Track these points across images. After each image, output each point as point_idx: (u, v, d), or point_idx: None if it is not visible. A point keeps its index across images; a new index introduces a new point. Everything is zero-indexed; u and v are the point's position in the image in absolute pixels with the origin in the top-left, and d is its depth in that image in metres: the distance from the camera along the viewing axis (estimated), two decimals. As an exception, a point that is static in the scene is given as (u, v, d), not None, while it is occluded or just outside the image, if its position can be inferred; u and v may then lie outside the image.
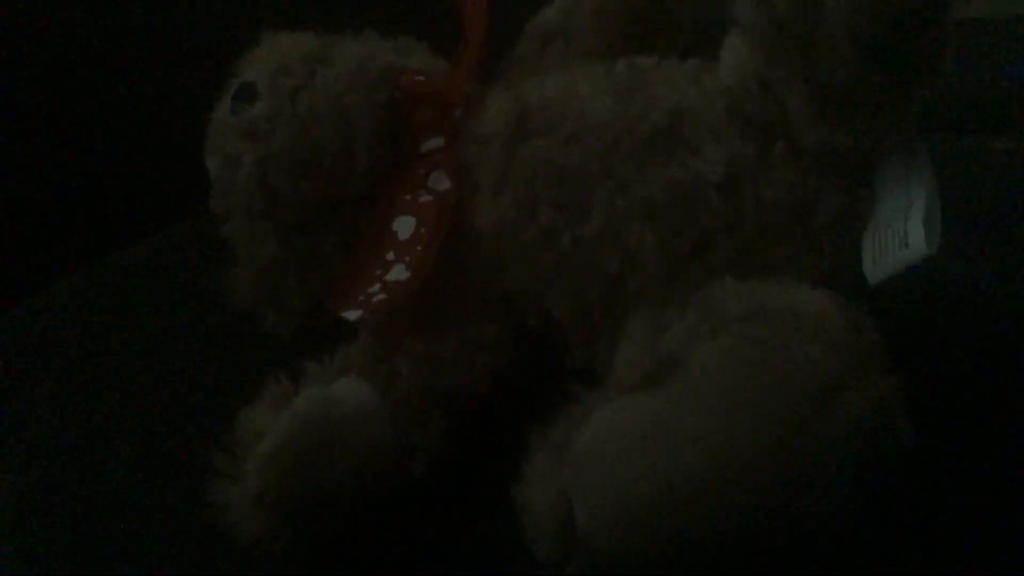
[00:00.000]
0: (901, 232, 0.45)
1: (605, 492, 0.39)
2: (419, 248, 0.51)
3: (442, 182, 0.53)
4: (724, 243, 0.47)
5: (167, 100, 0.71)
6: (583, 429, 0.41)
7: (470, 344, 0.50)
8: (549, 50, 0.59)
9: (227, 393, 0.48)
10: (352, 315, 0.49)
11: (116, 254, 0.68)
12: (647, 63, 0.53)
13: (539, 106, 0.52)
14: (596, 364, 0.48)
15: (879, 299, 0.45)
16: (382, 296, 0.50)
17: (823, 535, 0.39)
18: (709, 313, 0.42)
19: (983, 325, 0.57)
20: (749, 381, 0.39)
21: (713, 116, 0.49)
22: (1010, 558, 0.45)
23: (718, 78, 0.50)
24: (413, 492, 0.46)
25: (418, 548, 0.47)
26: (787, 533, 0.38)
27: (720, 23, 0.51)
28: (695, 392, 0.40)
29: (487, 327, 0.51)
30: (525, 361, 0.51)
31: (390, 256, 0.51)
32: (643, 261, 0.48)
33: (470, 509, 0.47)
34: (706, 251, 0.47)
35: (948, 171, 0.65)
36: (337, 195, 0.53)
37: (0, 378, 0.61)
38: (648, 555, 0.39)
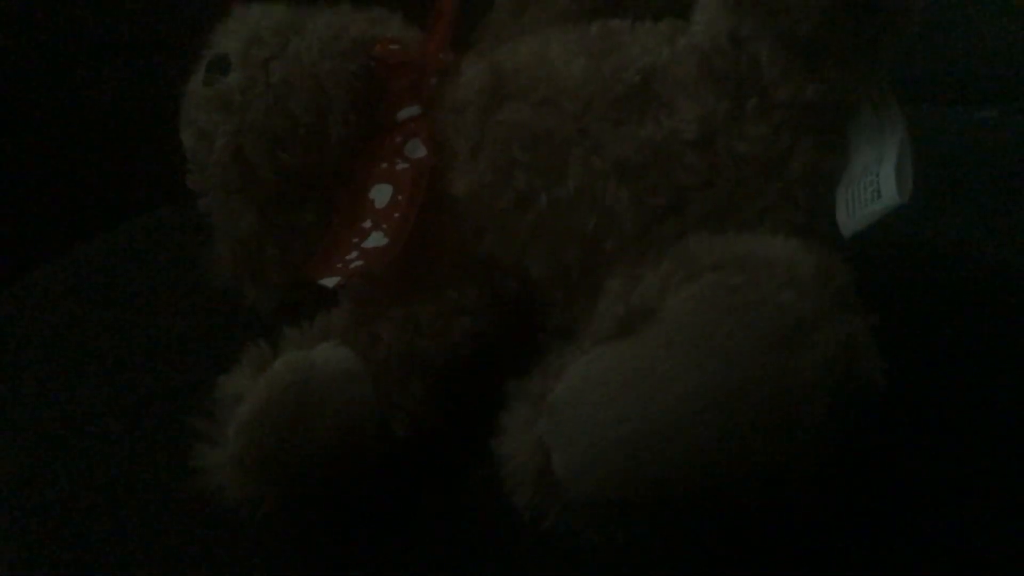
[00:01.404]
0: (874, 184, 0.45)
1: (581, 439, 0.39)
2: (396, 215, 0.51)
3: (418, 150, 0.53)
4: (699, 199, 0.48)
5: (140, 79, 0.71)
6: (559, 379, 0.41)
7: (450, 308, 0.50)
8: (523, 16, 0.59)
9: (210, 368, 0.48)
10: (330, 281, 0.49)
11: (96, 238, 0.68)
12: (620, 25, 0.53)
13: (513, 71, 0.52)
14: (576, 324, 0.48)
15: (856, 252, 0.45)
16: (359, 263, 0.50)
17: (796, 475, 0.39)
18: (682, 263, 0.42)
19: (962, 276, 0.57)
20: (721, 326, 0.39)
21: (686, 74, 0.49)
22: (978, 496, 0.45)
23: (691, 36, 0.50)
24: (395, 452, 0.47)
25: (400, 506, 0.47)
26: (761, 473, 0.39)
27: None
28: (668, 338, 0.40)
29: (466, 291, 0.51)
30: (505, 323, 0.51)
31: (367, 223, 0.51)
32: (619, 220, 0.48)
33: (451, 465, 0.48)
34: (682, 208, 0.48)
35: (933, 139, 0.66)
36: (313, 166, 0.54)
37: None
38: (626, 500, 0.39)
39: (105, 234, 0.68)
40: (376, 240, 0.50)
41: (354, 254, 0.50)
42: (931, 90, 0.87)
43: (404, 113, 0.54)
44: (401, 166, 0.52)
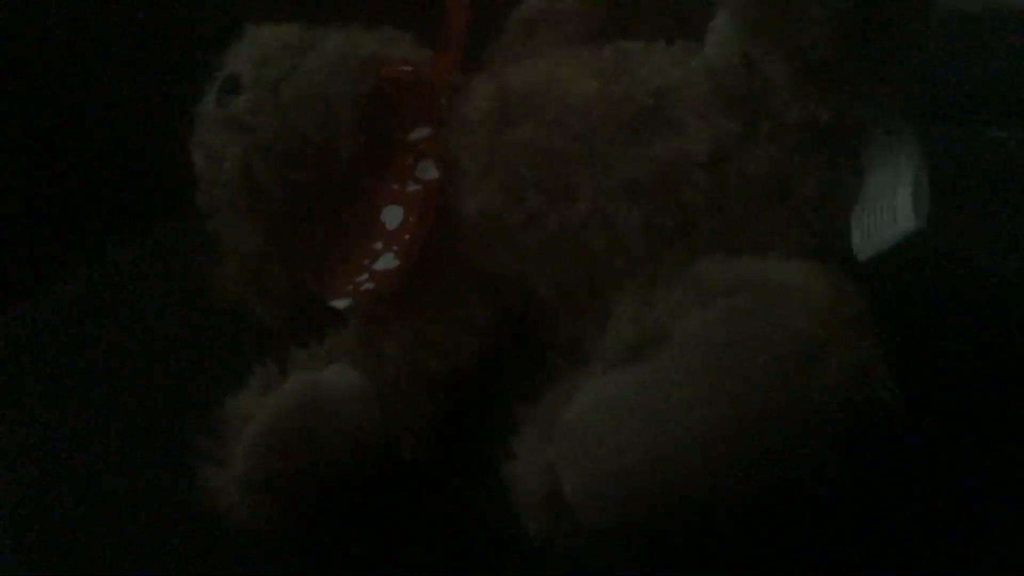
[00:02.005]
0: (890, 207, 0.45)
1: (592, 464, 0.39)
2: (407, 237, 0.51)
3: (429, 171, 0.53)
4: (709, 220, 0.47)
5: (151, 98, 0.71)
6: (570, 404, 0.41)
7: (457, 327, 0.50)
8: (534, 37, 0.59)
9: (217, 387, 0.48)
10: (341, 304, 0.50)
11: (104, 256, 0.68)
12: (632, 46, 0.53)
13: (523, 91, 0.52)
14: (583, 344, 0.48)
15: (870, 274, 0.45)
16: (370, 285, 0.50)
17: (809, 499, 0.38)
18: (694, 287, 0.42)
19: (973, 298, 0.57)
20: (733, 351, 0.39)
21: (697, 95, 0.49)
22: (993, 519, 0.45)
23: (703, 58, 0.50)
24: (402, 474, 0.46)
25: (407, 529, 0.47)
26: (774, 498, 0.38)
27: (704, 6, 0.51)
28: (680, 363, 0.40)
29: (474, 310, 0.51)
30: (512, 343, 0.51)
31: (378, 246, 0.51)
32: (628, 241, 0.48)
33: (460, 488, 0.47)
34: (691, 229, 0.48)
35: (944, 158, 0.66)
36: (322, 186, 0.53)
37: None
38: (637, 525, 0.39)
39: (113, 251, 0.68)
40: (387, 262, 0.50)
41: (365, 276, 0.50)
42: (941, 109, 0.87)
43: (416, 134, 0.54)
44: (412, 187, 0.52)
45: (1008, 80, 0.95)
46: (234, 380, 0.48)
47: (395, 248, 0.50)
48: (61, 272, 0.67)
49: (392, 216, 0.52)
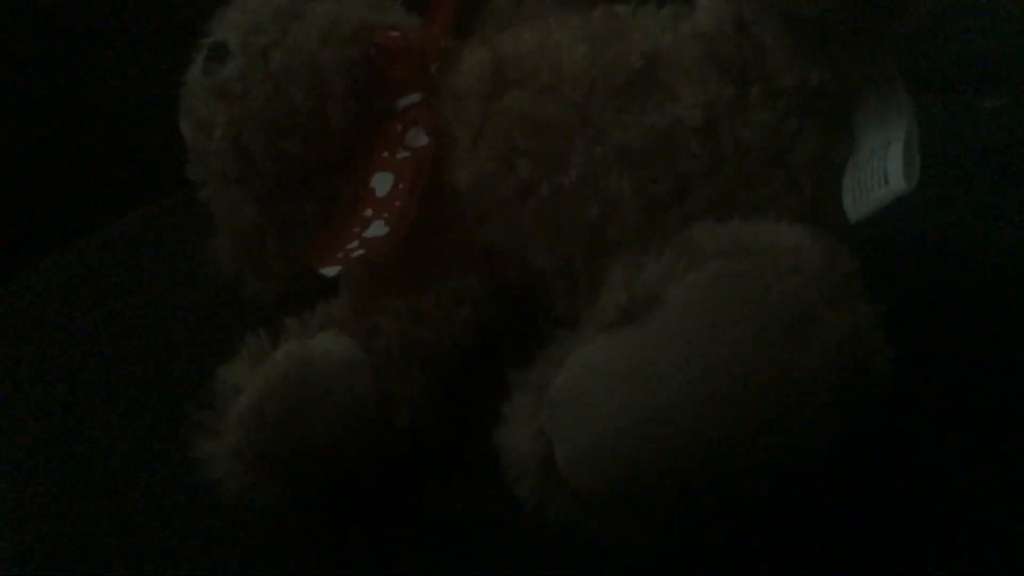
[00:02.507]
0: (880, 169, 0.44)
1: (583, 428, 0.39)
2: (397, 204, 0.50)
3: (419, 138, 0.52)
4: (703, 187, 0.47)
5: (139, 70, 0.70)
6: (561, 368, 0.40)
7: (451, 298, 0.50)
8: (525, 2, 0.58)
9: (211, 359, 0.47)
10: (330, 271, 0.49)
11: (96, 231, 0.67)
12: (623, 10, 0.52)
13: (515, 58, 0.51)
14: (578, 315, 0.48)
15: (863, 241, 0.45)
16: (360, 252, 0.49)
17: (802, 464, 0.38)
18: (686, 250, 0.42)
19: (969, 267, 0.57)
20: (725, 314, 0.39)
21: (690, 60, 0.48)
22: (984, 486, 0.45)
23: (695, 22, 0.50)
24: (396, 443, 0.46)
25: (401, 498, 0.47)
26: (766, 462, 0.38)
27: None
28: (672, 326, 0.39)
29: (468, 281, 0.50)
30: (507, 314, 0.51)
31: (368, 213, 0.51)
32: (622, 208, 0.47)
33: (453, 457, 0.47)
34: (685, 196, 0.47)
35: (940, 128, 0.66)
36: (313, 154, 0.53)
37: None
38: (628, 491, 0.39)
39: (106, 226, 0.68)
40: (377, 229, 0.50)
41: (355, 243, 0.50)
42: (938, 79, 0.86)
43: (405, 101, 0.53)
44: (402, 155, 0.52)
45: (1004, 49, 0.94)
46: (227, 352, 0.48)
47: (385, 215, 0.50)
48: (54, 247, 0.67)
49: (382, 183, 0.51)
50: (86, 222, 0.68)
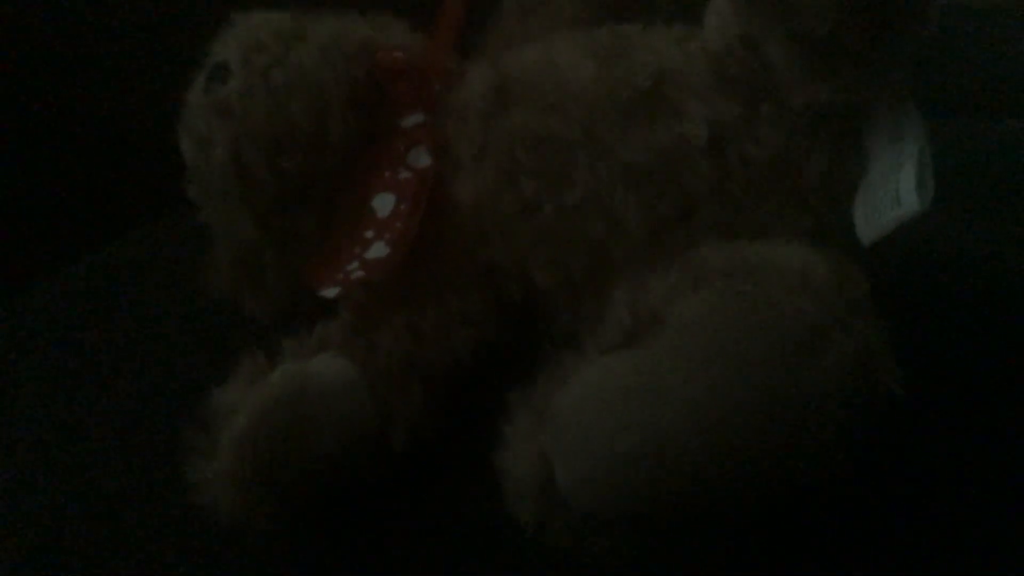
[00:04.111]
0: (893, 190, 0.44)
1: (585, 450, 0.38)
2: (399, 225, 0.50)
3: (422, 159, 0.52)
4: (710, 205, 0.47)
5: (140, 89, 0.70)
6: (563, 389, 0.39)
7: (452, 316, 0.49)
8: (530, 21, 0.58)
9: (207, 379, 0.47)
10: (330, 292, 0.49)
11: (97, 250, 0.67)
12: (630, 29, 0.52)
13: (518, 76, 0.51)
14: (581, 333, 0.47)
15: (877, 261, 0.44)
16: (360, 273, 0.49)
17: (808, 485, 0.37)
18: (691, 270, 0.41)
19: (984, 288, 0.56)
20: (731, 333, 0.38)
21: (697, 78, 0.48)
22: (994, 507, 0.44)
23: (702, 40, 0.49)
24: (393, 464, 0.45)
25: (399, 520, 0.46)
26: (772, 484, 0.37)
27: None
28: (676, 346, 0.39)
29: (469, 299, 0.50)
30: (508, 333, 0.50)
31: (369, 234, 0.50)
32: (627, 227, 0.47)
33: (452, 478, 0.47)
34: (692, 214, 0.47)
35: (957, 149, 0.65)
36: (313, 173, 0.52)
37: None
38: (631, 513, 0.38)
39: (105, 246, 0.67)
40: (378, 251, 0.49)
41: (355, 264, 0.49)
42: (955, 100, 0.86)
43: (408, 121, 0.53)
44: (404, 175, 0.51)
45: (1022, 71, 0.94)
46: (224, 371, 0.47)
47: (386, 236, 0.49)
48: (59, 266, 0.66)
49: (383, 204, 0.51)
50: (85, 242, 0.67)
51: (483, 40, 0.59)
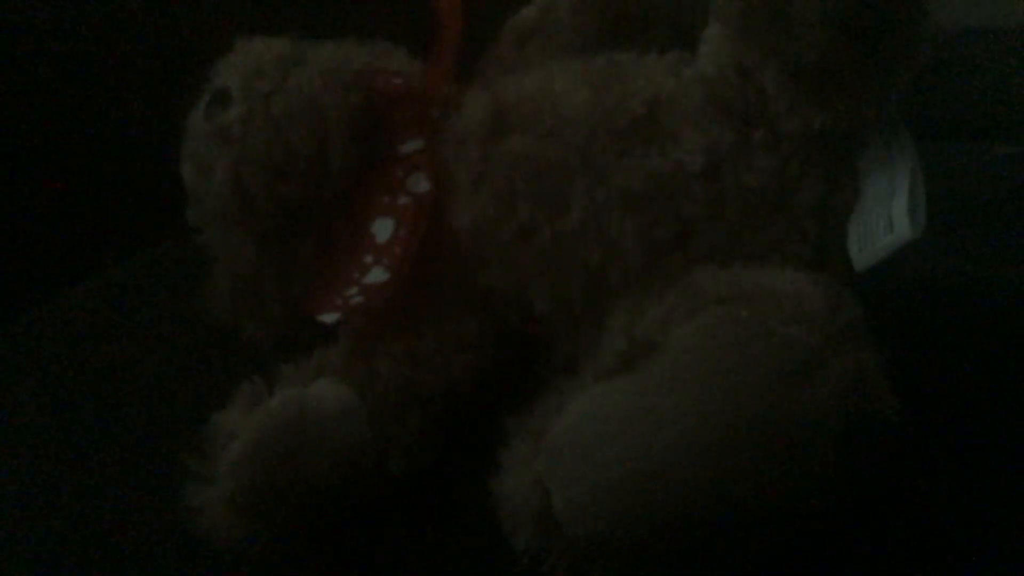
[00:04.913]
0: (886, 217, 0.44)
1: (581, 477, 0.38)
2: (397, 250, 0.50)
3: (420, 184, 0.52)
4: (706, 231, 0.47)
5: (141, 115, 0.70)
6: (559, 416, 0.40)
7: (450, 342, 0.49)
8: (527, 48, 0.58)
9: (206, 405, 0.47)
10: (329, 317, 0.49)
11: (97, 275, 0.67)
12: (625, 57, 0.52)
13: (516, 102, 0.52)
14: (579, 358, 0.47)
15: (871, 287, 0.44)
16: (359, 299, 0.49)
17: (805, 512, 0.37)
18: (686, 296, 0.41)
19: (980, 313, 0.56)
20: (726, 360, 0.38)
21: (692, 105, 0.48)
22: (995, 533, 0.44)
23: (696, 68, 0.50)
24: (391, 490, 0.46)
25: (396, 546, 0.46)
26: (769, 511, 0.37)
27: (697, 16, 0.50)
28: (672, 373, 0.39)
29: (467, 325, 0.50)
30: (506, 358, 0.50)
31: (368, 259, 0.51)
32: (624, 253, 0.47)
33: (449, 505, 0.46)
34: (688, 240, 0.47)
35: (951, 175, 0.65)
36: (313, 198, 0.53)
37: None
38: (628, 541, 0.38)
39: (105, 271, 0.68)
40: (377, 276, 0.50)
41: (354, 289, 0.50)
42: (949, 126, 0.87)
43: (407, 147, 0.53)
44: (403, 200, 0.52)
45: (1017, 94, 0.95)
46: (223, 397, 0.47)
47: (385, 261, 0.50)
48: (53, 291, 0.66)
49: (383, 229, 0.51)
50: (86, 265, 0.68)
51: (481, 67, 0.59)
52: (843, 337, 0.39)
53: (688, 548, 0.38)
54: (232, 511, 0.43)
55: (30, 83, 0.70)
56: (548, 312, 0.49)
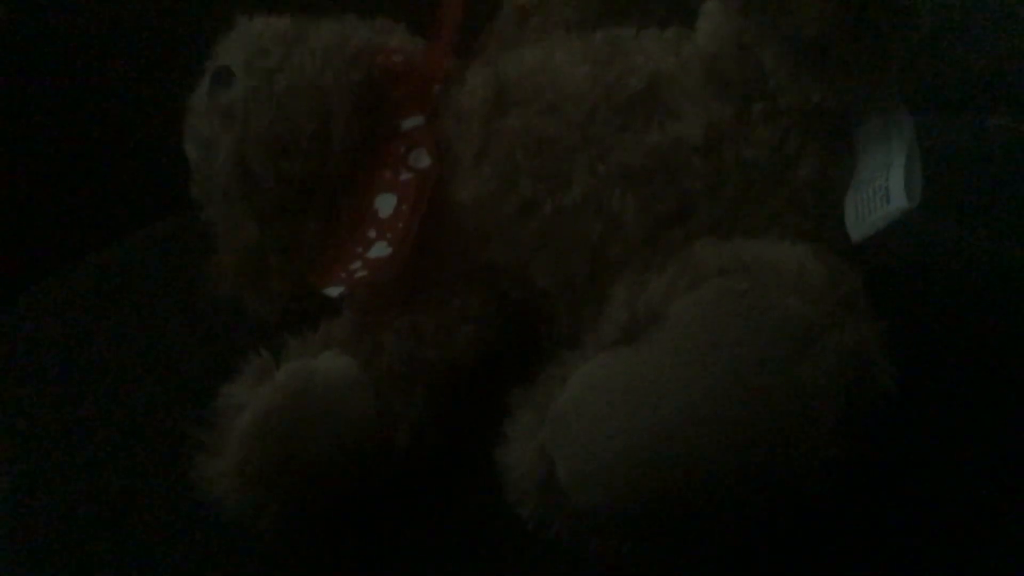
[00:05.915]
0: (882, 188, 0.45)
1: (585, 447, 0.39)
2: (400, 225, 0.50)
3: (422, 160, 0.52)
4: (706, 206, 0.47)
5: (144, 92, 0.70)
6: (563, 387, 0.40)
7: (453, 317, 0.50)
8: (528, 24, 0.58)
9: (213, 378, 0.48)
10: (333, 291, 0.49)
11: (101, 250, 0.68)
12: (625, 33, 0.52)
13: (517, 78, 0.52)
14: (581, 332, 0.48)
15: (867, 259, 0.45)
16: (363, 273, 0.50)
17: (805, 482, 0.38)
18: (688, 269, 0.42)
19: (973, 285, 0.57)
20: (727, 331, 0.39)
21: (691, 80, 0.49)
22: (989, 500, 0.44)
23: (696, 43, 0.50)
24: (397, 462, 0.46)
25: (402, 516, 0.47)
26: (769, 481, 0.38)
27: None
28: (673, 344, 0.39)
29: (471, 299, 0.50)
30: (509, 332, 0.51)
31: (372, 234, 0.51)
32: (625, 227, 0.48)
33: (454, 475, 0.47)
34: (688, 214, 0.47)
35: (944, 146, 0.66)
36: (316, 175, 0.53)
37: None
38: (631, 510, 0.38)
39: (110, 246, 0.68)
40: (380, 250, 0.50)
41: (358, 264, 0.50)
42: (942, 97, 0.87)
43: (408, 123, 0.54)
44: (405, 176, 0.52)
45: (1011, 68, 0.95)
46: (229, 371, 0.48)
47: (388, 236, 0.50)
48: (57, 267, 0.67)
49: (385, 204, 0.51)
50: (89, 241, 0.68)
51: (481, 43, 0.59)
52: (843, 308, 0.39)
53: (690, 516, 0.39)
54: (241, 482, 0.43)
55: (33, 63, 0.70)
56: (550, 286, 0.50)
